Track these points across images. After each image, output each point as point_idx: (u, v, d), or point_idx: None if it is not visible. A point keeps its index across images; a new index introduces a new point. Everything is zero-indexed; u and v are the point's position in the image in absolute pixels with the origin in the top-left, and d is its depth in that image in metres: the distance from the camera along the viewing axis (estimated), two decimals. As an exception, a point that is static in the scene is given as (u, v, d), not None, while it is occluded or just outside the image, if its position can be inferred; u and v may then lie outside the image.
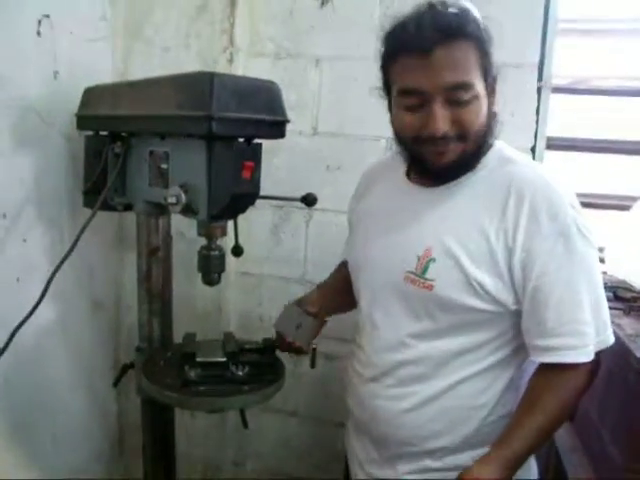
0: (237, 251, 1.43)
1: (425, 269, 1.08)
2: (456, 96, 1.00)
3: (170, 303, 1.47)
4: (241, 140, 1.18)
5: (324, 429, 1.89)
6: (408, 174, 1.20)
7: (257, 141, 1.21)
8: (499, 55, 1.05)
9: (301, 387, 1.88)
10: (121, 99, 1.34)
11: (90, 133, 1.42)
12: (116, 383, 1.53)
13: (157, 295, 1.43)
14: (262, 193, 1.31)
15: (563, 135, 1.75)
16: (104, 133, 1.39)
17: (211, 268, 1.27)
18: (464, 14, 1.01)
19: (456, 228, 1.07)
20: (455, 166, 1.07)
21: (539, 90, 1.61)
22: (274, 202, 1.77)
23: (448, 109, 1.01)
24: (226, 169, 1.16)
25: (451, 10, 1.01)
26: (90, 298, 1.77)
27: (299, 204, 1.40)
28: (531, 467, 1.16)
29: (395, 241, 1.15)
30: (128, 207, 1.39)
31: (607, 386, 1.00)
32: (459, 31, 0.99)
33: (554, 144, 1.71)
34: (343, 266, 1.37)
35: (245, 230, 1.75)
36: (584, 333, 0.99)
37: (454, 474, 1.03)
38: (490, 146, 1.10)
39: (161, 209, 1.33)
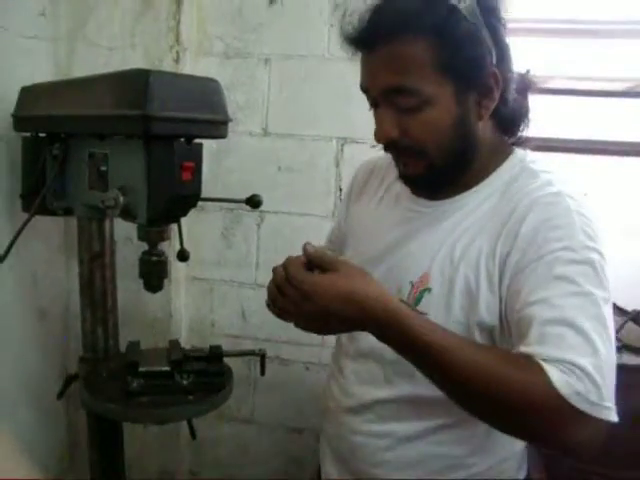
0: (183, 256, 1.39)
1: (418, 300, 0.93)
2: (397, 101, 0.88)
3: (115, 311, 1.42)
4: (181, 140, 1.14)
5: (281, 435, 1.86)
6: None
7: (198, 141, 1.17)
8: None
9: (255, 393, 1.85)
10: (58, 99, 1.28)
11: (28, 134, 1.36)
12: (60, 395, 1.46)
13: (100, 303, 1.38)
14: (213, 195, 1.27)
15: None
16: (42, 135, 1.33)
17: (152, 274, 1.22)
18: (431, 1, 0.85)
19: (451, 252, 0.92)
20: (425, 182, 0.95)
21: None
22: (225, 205, 1.72)
23: (396, 115, 0.89)
24: (165, 170, 1.11)
25: None
26: (35, 306, 1.70)
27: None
28: (521, 466, 1.05)
29: (391, 263, 0.99)
30: (68, 211, 1.34)
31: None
32: (409, 25, 0.85)
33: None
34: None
35: (195, 234, 1.71)
36: None
37: None
38: (502, 158, 0.95)
39: (102, 213, 1.28)
